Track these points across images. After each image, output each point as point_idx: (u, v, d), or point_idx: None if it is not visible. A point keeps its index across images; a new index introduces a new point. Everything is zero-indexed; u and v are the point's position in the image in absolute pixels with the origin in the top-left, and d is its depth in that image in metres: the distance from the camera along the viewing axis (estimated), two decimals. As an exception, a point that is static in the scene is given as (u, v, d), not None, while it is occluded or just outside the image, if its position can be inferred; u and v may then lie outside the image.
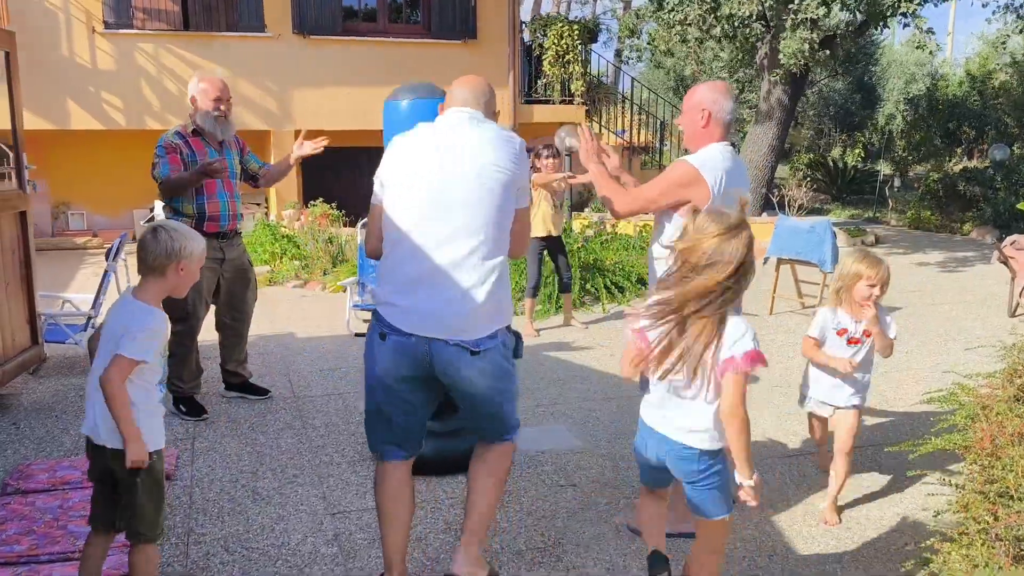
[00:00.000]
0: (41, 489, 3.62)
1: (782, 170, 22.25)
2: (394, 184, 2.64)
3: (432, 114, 2.93)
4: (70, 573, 2.96)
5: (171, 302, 4.52)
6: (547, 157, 6.33)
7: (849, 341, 3.43)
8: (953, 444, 2.68)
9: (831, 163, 19.29)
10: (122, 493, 2.55)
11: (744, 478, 2.37)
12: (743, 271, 2.26)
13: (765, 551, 3.19)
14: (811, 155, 21.02)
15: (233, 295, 4.66)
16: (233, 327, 4.76)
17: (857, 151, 21.89)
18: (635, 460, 3.83)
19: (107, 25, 10.45)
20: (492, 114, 2.78)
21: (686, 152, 3.29)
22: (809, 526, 3.38)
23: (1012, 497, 2.36)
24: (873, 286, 3.31)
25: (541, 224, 6.33)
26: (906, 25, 10.45)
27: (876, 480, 3.78)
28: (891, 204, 15.68)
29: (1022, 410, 2.91)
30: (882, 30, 11.65)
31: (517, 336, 2.91)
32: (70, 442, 4.24)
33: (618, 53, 23.49)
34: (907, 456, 3.33)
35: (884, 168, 20.27)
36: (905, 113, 20.80)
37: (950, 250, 10.91)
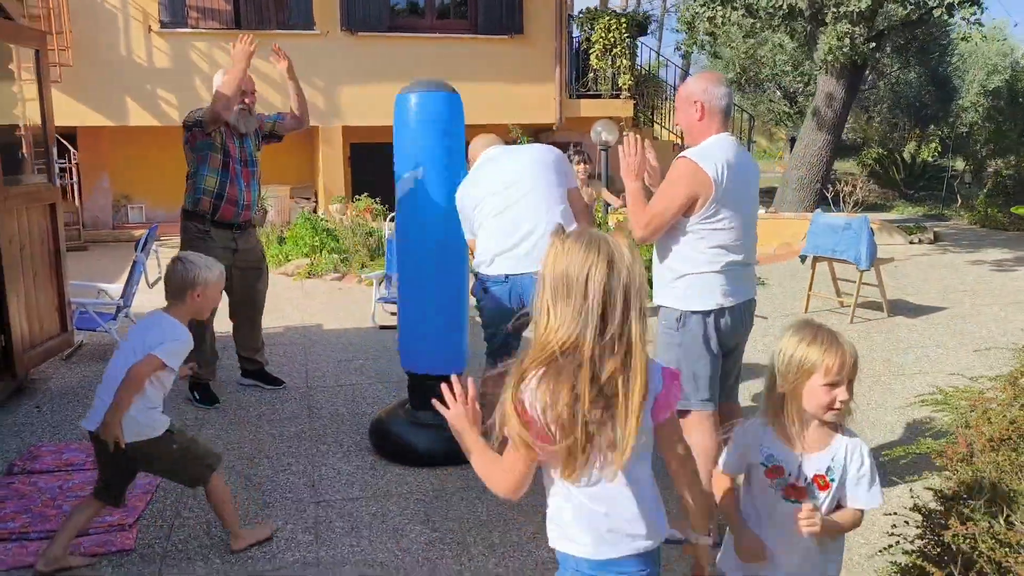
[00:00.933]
0: (45, 470, 3.76)
1: (849, 165, 21.64)
2: (478, 189, 3.63)
3: (439, 108, 3.82)
4: (55, 550, 3.07)
5: None
6: (578, 163, 6.21)
7: (787, 490, 1.99)
8: (928, 449, 2.56)
9: (899, 158, 18.63)
10: (160, 474, 3.15)
11: None
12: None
13: (743, 554, 3.10)
14: (878, 150, 20.35)
15: (246, 286, 4.77)
16: (247, 315, 4.86)
17: (933, 145, 21.09)
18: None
19: (163, 24, 10.79)
20: None
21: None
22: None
23: (971, 508, 2.25)
24: (835, 385, 1.91)
25: None
26: (974, 20, 9.97)
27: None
28: (959, 201, 15.07)
29: (1016, 413, 2.77)
30: (944, 20, 11.15)
31: None
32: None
33: (678, 45, 23.18)
34: (898, 462, 3.19)
35: (958, 164, 19.49)
36: (982, 107, 19.92)
37: (1014, 249, 10.41)
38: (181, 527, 3.30)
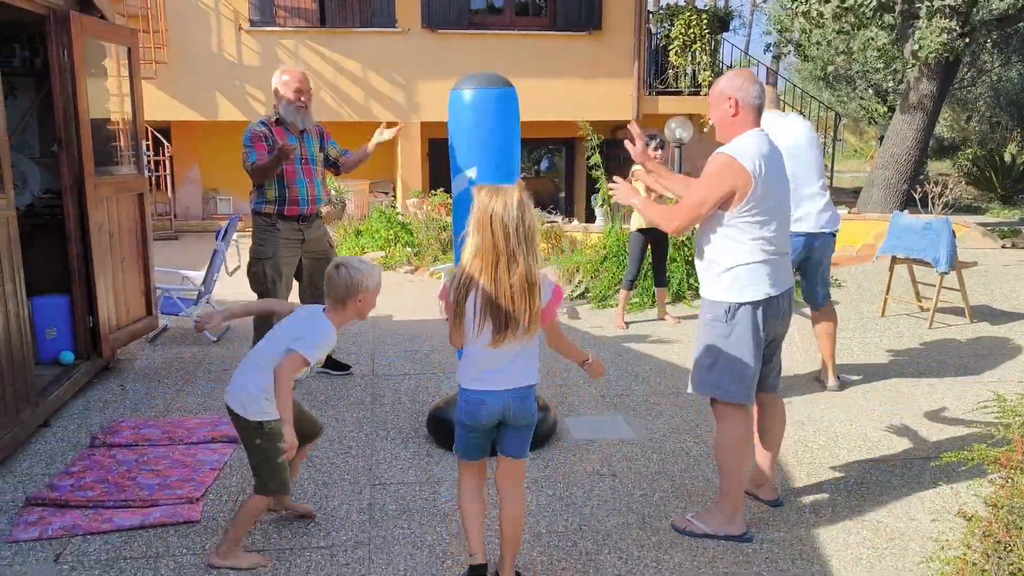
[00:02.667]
0: (124, 444, 3.99)
1: (945, 166, 20.77)
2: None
3: (495, 104, 3.82)
4: (127, 518, 3.27)
5: (252, 280, 4.84)
6: (654, 148, 6.09)
7: None
8: (983, 456, 2.49)
9: (998, 159, 17.77)
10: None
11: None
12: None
13: (791, 555, 3.07)
14: (976, 150, 19.48)
15: (314, 275, 4.92)
16: (316, 303, 5.01)
17: (1038, 146, 20.01)
18: (677, 454, 3.82)
19: (252, 23, 11.19)
20: None
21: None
22: (848, 533, 3.21)
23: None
24: None
25: (638, 217, 6.28)
26: None
27: (935, 494, 3.52)
28: (1061, 204, 14.31)
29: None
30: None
31: None
32: (163, 405, 4.64)
33: (768, 47, 22.68)
34: (959, 468, 3.10)
35: (1062, 165, 18.47)
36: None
37: (1117, 255, 9.83)
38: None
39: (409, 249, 9.05)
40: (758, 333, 3.06)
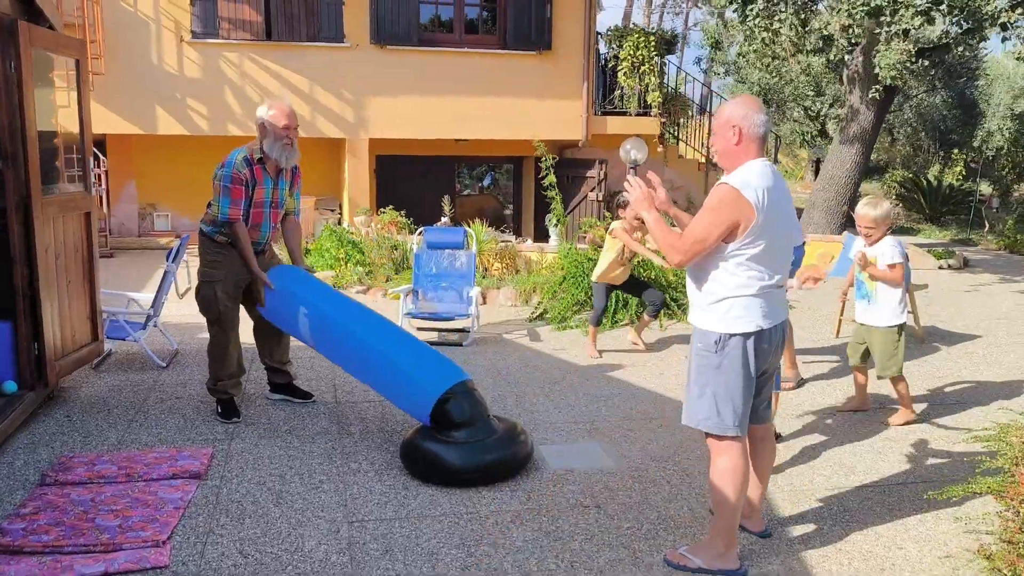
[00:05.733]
0: (78, 482, 3.74)
1: (874, 187, 21.47)
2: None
3: None
4: (89, 565, 3.04)
5: (203, 305, 4.62)
6: (624, 204, 6.09)
7: None
8: (987, 488, 2.48)
9: (925, 181, 18.45)
10: None
11: None
12: None
13: (787, 589, 3.03)
14: (903, 172, 20.21)
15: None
16: (268, 328, 4.82)
17: (958, 169, 20.88)
18: (658, 483, 3.76)
19: (194, 35, 10.87)
20: None
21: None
22: (839, 564, 3.19)
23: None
24: None
25: (607, 272, 6.20)
26: (1005, 39, 9.94)
27: (917, 522, 3.54)
28: (987, 226, 14.92)
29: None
30: (978, 42, 11.02)
31: None
32: (115, 437, 4.38)
33: (698, 60, 23.14)
34: (949, 498, 3.11)
35: (984, 188, 19.30)
36: (1009, 130, 19.69)
37: (1045, 276, 10.26)
38: (215, 544, 3.27)
39: (360, 268, 8.85)
40: (748, 365, 3.01)
